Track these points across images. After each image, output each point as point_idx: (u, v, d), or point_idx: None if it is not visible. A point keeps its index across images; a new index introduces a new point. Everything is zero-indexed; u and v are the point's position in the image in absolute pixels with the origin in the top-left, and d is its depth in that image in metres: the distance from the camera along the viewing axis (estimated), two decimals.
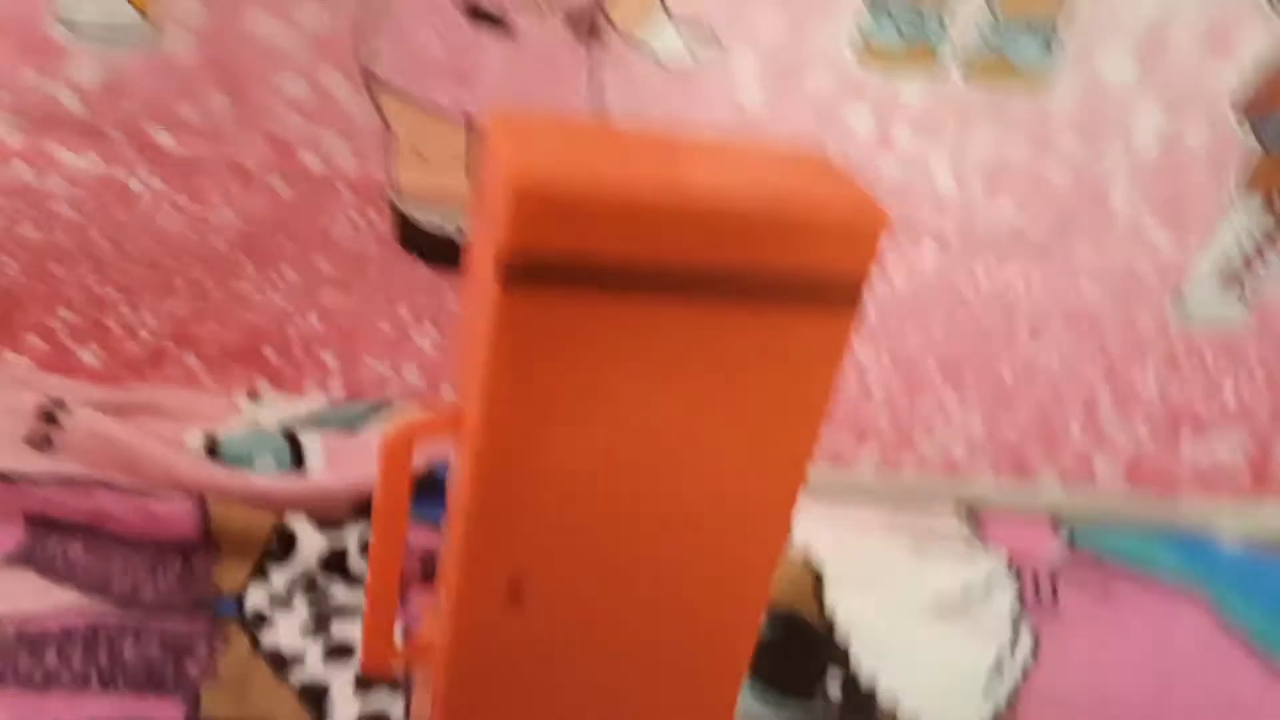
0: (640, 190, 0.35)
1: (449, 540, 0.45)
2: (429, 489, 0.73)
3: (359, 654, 0.65)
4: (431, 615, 0.51)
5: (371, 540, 0.43)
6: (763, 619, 0.48)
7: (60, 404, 0.74)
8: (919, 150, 0.80)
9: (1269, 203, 0.84)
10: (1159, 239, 0.85)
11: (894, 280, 0.85)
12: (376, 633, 0.46)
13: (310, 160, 0.76)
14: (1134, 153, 0.81)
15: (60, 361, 0.80)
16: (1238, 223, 0.84)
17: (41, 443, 0.71)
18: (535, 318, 0.36)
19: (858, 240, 0.37)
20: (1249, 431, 0.93)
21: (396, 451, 0.41)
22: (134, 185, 0.75)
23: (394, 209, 0.78)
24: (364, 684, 0.63)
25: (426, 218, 0.78)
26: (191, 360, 0.82)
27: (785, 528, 0.45)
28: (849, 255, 0.38)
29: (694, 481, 0.42)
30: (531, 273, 0.35)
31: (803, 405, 0.41)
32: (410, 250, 0.79)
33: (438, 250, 0.80)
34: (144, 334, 0.80)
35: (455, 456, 0.44)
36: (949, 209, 0.82)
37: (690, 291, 0.37)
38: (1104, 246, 0.84)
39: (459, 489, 0.42)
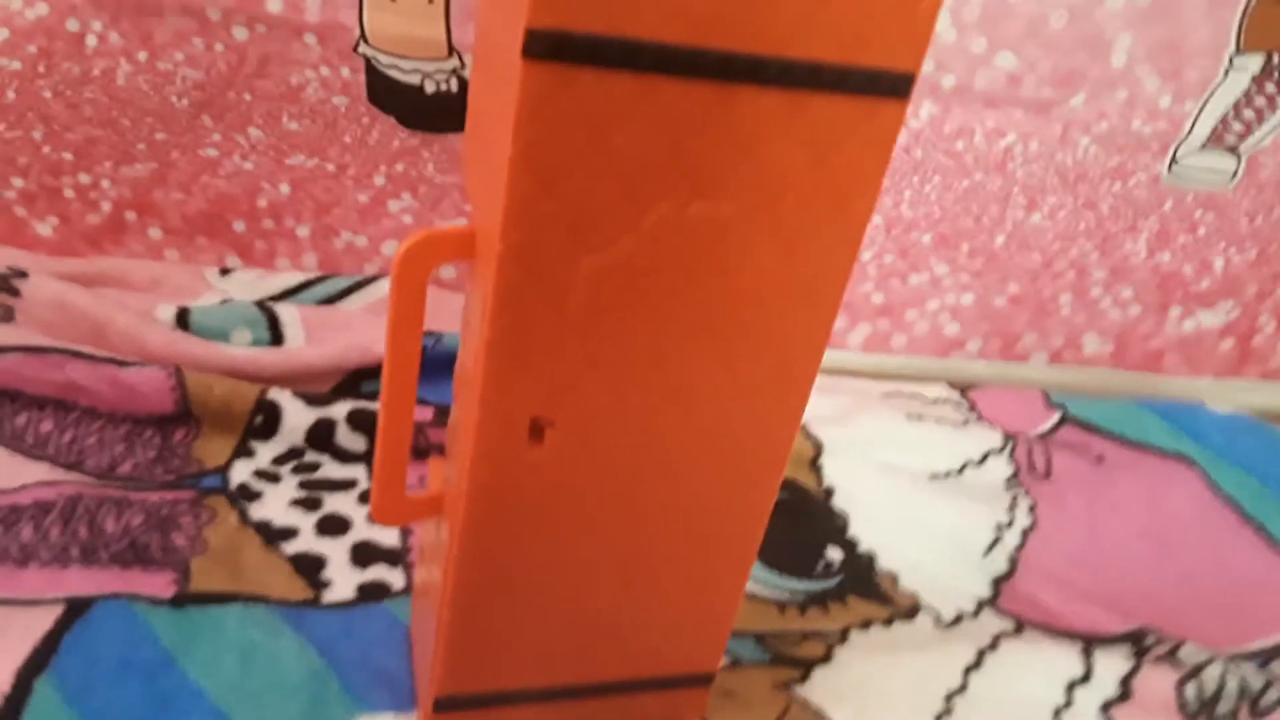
0: None
1: (465, 377, 0.42)
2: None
3: (356, 520, 0.62)
4: (439, 469, 0.49)
5: (384, 367, 0.40)
6: (782, 474, 0.46)
7: (19, 272, 0.69)
8: None
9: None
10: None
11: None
12: (388, 473, 0.43)
13: (273, 5, 0.70)
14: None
15: (14, 234, 0.74)
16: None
17: (1, 314, 0.66)
18: (564, 101, 0.33)
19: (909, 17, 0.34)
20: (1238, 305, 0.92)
21: (411, 266, 0.38)
22: (89, 39, 0.69)
23: (366, 63, 0.73)
24: (361, 555, 0.60)
25: (397, 68, 0.73)
26: (155, 233, 0.77)
27: (816, 359, 0.42)
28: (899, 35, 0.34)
29: (728, 303, 0.39)
30: (559, 47, 0.32)
31: (843, 215, 0.38)
32: (382, 107, 0.74)
33: (410, 105, 0.75)
34: (103, 203, 0.75)
35: (471, 281, 0.41)
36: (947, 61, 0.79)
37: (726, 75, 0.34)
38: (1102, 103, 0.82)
39: (475, 316, 0.39)
